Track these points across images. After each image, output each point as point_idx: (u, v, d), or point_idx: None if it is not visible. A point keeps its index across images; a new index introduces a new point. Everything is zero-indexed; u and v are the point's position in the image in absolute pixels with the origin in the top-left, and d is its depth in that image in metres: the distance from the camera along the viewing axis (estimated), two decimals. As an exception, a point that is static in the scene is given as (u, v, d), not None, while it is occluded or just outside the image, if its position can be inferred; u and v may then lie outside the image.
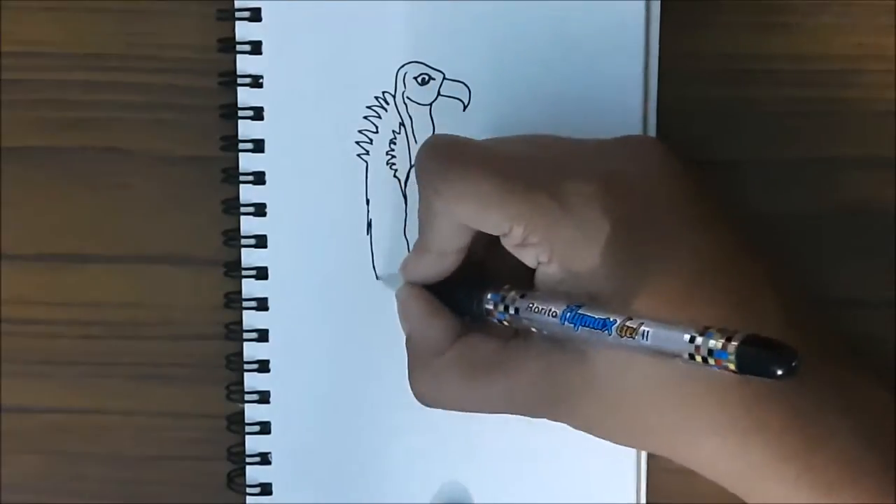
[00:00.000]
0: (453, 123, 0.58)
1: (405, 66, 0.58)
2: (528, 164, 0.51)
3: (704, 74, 0.59)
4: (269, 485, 0.61)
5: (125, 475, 0.63)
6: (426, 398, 0.55)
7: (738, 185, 0.59)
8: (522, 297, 0.52)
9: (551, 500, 0.60)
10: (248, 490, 0.61)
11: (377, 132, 0.59)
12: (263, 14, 0.58)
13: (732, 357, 0.42)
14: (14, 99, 0.61)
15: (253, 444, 0.61)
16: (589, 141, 0.54)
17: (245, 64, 0.59)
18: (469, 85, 0.58)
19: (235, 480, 0.61)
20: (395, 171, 0.59)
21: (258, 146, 0.59)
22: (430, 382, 0.55)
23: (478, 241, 0.53)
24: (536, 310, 0.50)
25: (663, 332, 0.45)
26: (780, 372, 0.41)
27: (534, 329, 0.51)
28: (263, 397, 0.60)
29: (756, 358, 0.41)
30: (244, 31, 0.59)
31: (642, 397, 0.50)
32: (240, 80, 0.59)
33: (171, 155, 0.61)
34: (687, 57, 0.58)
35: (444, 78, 0.58)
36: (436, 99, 0.58)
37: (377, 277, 0.59)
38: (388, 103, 0.59)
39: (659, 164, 0.53)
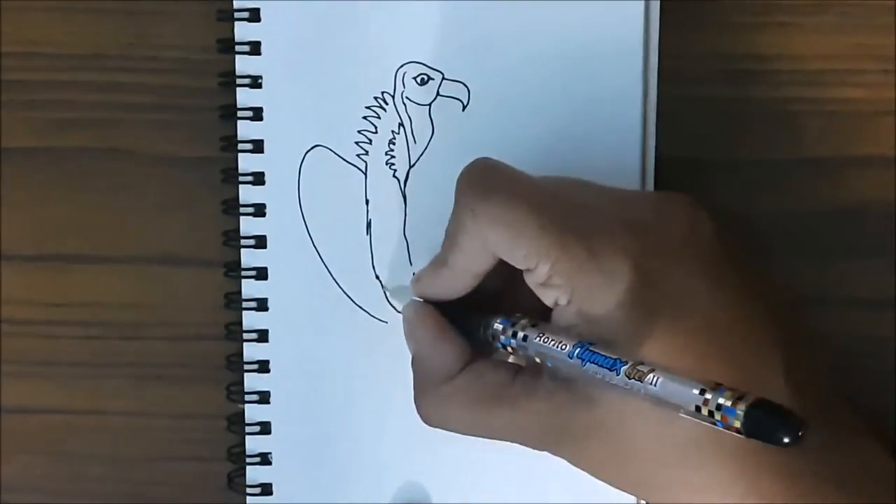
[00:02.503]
0: (452, 123, 0.58)
1: (404, 66, 0.58)
2: (565, 205, 0.52)
3: (704, 74, 0.59)
4: (270, 485, 0.61)
5: (125, 475, 0.63)
6: (432, 420, 0.55)
7: (738, 185, 0.59)
8: (534, 326, 0.52)
9: (552, 500, 0.60)
10: (249, 490, 0.61)
11: (376, 132, 0.59)
12: (262, 15, 0.58)
13: (740, 416, 0.42)
14: (14, 99, 0.61)
15: (253, 444, 0.61)
16: (624, 191, 0.55)
17: (244, 64, 0.59)
18: (468, 85, 0.58)
19: (236, 481, 0.61)
20: (395, 171, 0.59)
21: (257, 146, 0.59)
22: (437, 406, 0.54)
23: (496, 273, 0.53)
24: (546, 340, 0.50)
25: (673, 381, 0.45)
26: (786, 439, 0.41)
27: (538, 360, 0.51)
28: (263, 397, 0.61)
29: (763, 422, 0.42)
30: (243, 31, 0.59)
31: (645, 448, 0.50)
32: (239, 81, 0.59)
33: (171, 155, 0.61)
34: (687, 57, 0.58)
35: (444, 78, 0.58)
36: (435, 99, 0.58)
37: (376, 277, 0.60)
38: (387, 103, 0.59)
39: (689, 223, 0.53)
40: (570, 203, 0.52)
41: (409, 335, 0.56)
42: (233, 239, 0.60)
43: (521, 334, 0.52)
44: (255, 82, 0.59)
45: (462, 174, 0.53)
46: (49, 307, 0.62)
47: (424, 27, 0.58)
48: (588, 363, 0.48)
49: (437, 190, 0.58)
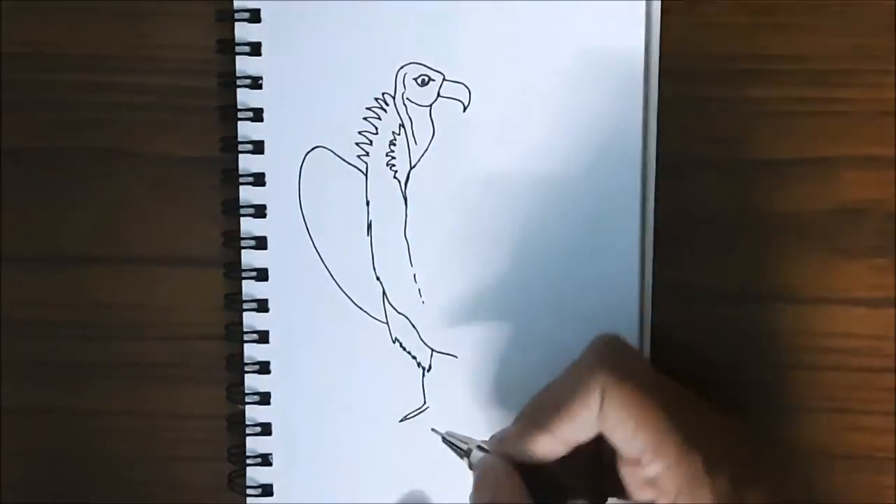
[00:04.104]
0: (453, 125, 0.58)
1: (405, 67, 0.58)
2: (689, 412, 0.52)
3: (704, 74, 0.59)
4: (270, 485, 0.61)
5: (125, 475, 0.63)
6: None
7: (738, 185, 0.59)
8: None
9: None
10: (249, 491, 0.61)
11: (377, 133, 0.59)
12: (262, 15, 0.58)
13: None
14: (14, 99, 0.61)
15: (253, 444, 0.61)
16: (727, 419, 0.55)
17: (244, 65, 0.59)
18: (469, 86, 0.58)
19: (236, 481, 0.61)
20: (395, 172, 0.59)
21: (258, 147, 0.59)
22: None
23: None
24: None
25: None
26: None
27: None
28: (264, 398, 0.61)
29: None
30: (243, 32, 0.59)
31: None
32: (239, 82, 0.59)
33: (171, 155, 0.61)
34: (687, 57, 0.58)
35: (444, 79, 0.58)
36: (436, 100, 0.58)
37: (377, 278, 0.60)
38: (387, 104, 0.59)
39: (768, 462, 0.53)
40: (693, 411, 0.52)
41: (481, 487, 0.54)
42: (233, 239, 0.60)
43: None
44: (256, 83, 0.59)
45: (594, 348, 0.53)
46: (49, 307, 0.62)
47: (425, 28, 0.58)
48: None
49: (437, 191, 0.59)
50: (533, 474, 0.53)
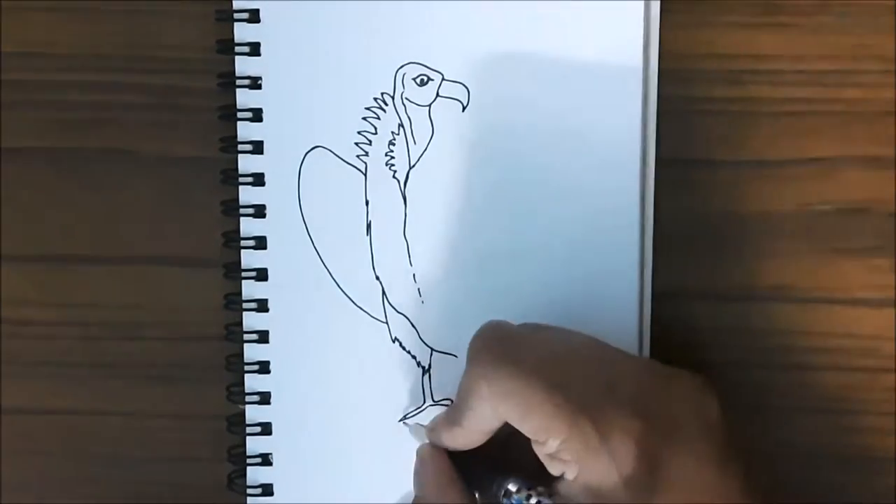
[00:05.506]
0: (452, 124, 0.58)
1: (404, 67, 0.58)
2: (577, 381, 0.52)
3: (704, 74, 0.59)
4: (270, 485, 0.61)
5: (125, 475, 0.63)
6: None
7: (739, 185, 0.59)
8: (550, 496, 0.52)
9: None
10: (249, 491, 0.61)
11: (376, 133, 0.59)
12: (262, 15, 0.58)
13: None
14: (14, 99, 0.61)
15: (254, 444, 0.61)
16: (636, 363, 0.56)
17: (244, 65, 0.59)
18: (468, 86, 0.58)
19: (236, 481, 0.61)
20: (395, 172, 0.59)
21: (257, 147, 0.59)
22: None
23: (507, 427, 0.54)
24: None
25: None
26: None
27: None
28: (264, 398, 0.61)
29: None
30: (243, 32, 0.59)
31: None
32: (238, 82, 0.59)
33: (171, 155, 0.61)
34: (687, 57, 0.58)
35: (443, 79, 0.58)
36: (435, 100, 0.58)
37: (376, 277, 0.60)
38: (386, 104, 0.59)
39: (697, 406, 0.53)
40: (582, 378, 0.52)
41: (417, 476, 0.56)
42: (233, 240, 0.60)
43: (534, 500, 0.52)
44: (255, 83, 0.59)
45: (475, 338, 0.54)
46: (49, 307, 0.62)
47: (424, 27, 0.58)
48: None
49: (437, 191, 0.59)
50: (473, 455, 0.55)
